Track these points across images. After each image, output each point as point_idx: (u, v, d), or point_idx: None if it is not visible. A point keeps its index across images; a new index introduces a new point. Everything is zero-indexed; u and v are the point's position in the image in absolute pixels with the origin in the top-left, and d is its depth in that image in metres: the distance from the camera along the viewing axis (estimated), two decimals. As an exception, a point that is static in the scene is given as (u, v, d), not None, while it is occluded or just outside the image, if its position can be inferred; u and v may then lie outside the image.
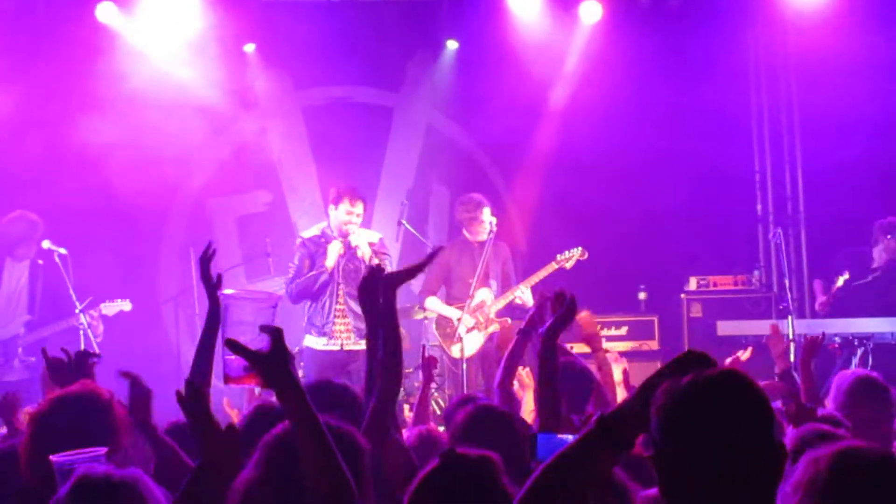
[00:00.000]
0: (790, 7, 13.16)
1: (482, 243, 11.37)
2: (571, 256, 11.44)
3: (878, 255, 11.77)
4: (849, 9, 12.70)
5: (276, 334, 3.35)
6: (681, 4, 13.30)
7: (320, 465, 3.37)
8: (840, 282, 11.53)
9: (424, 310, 11.87)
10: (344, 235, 10.52)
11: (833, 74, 12.63)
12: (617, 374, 8.25)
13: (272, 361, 3.34)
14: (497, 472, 3.59)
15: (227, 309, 4.04)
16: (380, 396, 4.85)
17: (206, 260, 5.58)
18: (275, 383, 3.37)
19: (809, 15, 12.97)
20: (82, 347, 10.86)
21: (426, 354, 7.63)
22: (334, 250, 10.52)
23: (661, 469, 2.85)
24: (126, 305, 11.27)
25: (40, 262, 11.05)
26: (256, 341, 3.49)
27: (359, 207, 10.60)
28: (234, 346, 3.38)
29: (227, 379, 3.63)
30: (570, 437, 4.19)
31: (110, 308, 11.15)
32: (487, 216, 11.41)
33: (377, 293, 5.05)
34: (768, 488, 2.82)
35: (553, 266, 11.42)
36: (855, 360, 10.77)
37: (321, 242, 10.64)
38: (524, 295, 11.30)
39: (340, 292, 10.59)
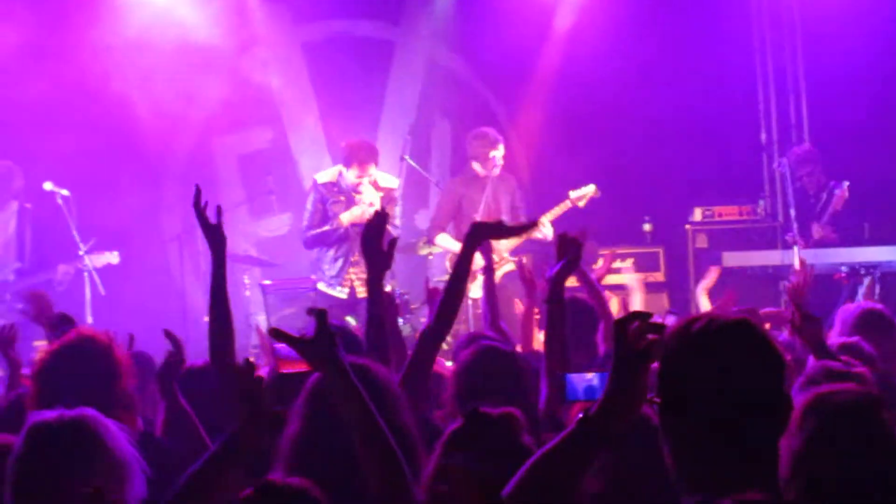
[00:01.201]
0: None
1: (492, 178, 11.38)
2: (584, 195, 11.43)
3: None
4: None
5: (320, 318, 3.36)
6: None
7: (371, 446, 3.37)
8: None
9: (431, 245, 11.85)
10: (356, 192, 10.77)
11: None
12: (613, 307, 8.28)
13: (317, 346, 3.35)
14: (520, 430, 3.61)
15: (268, 301, 4.02)
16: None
17: (198, 205, 5.56)
18: (321, 367, 3.39)
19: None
20: (87, 291, 10.89)
21: (430, 287, 7.65)
22: (356, 213, 10.63)
23: (666, 418, 2.83)
24: (114, 258, 11.22)
25: (28, 205, 11.03)
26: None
27: (370, 171, 10.78)
28: (278, 335, 3.39)
29: (279, 366, 3.62)
30: (596, 378, 4.20)
31: (97, 260, 11.12)
32: (500, 152, 11.42)
33: (380, 240, 5.12)
34: (773, 440, 2.80)
35: (566, 204, 11.41)
36: (861, 291, 10.73)
37: (335, 191, 10.79)
38: (545, 229, 11.29)
39: (355, 245, 10.70)
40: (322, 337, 3.34)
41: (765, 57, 13.91)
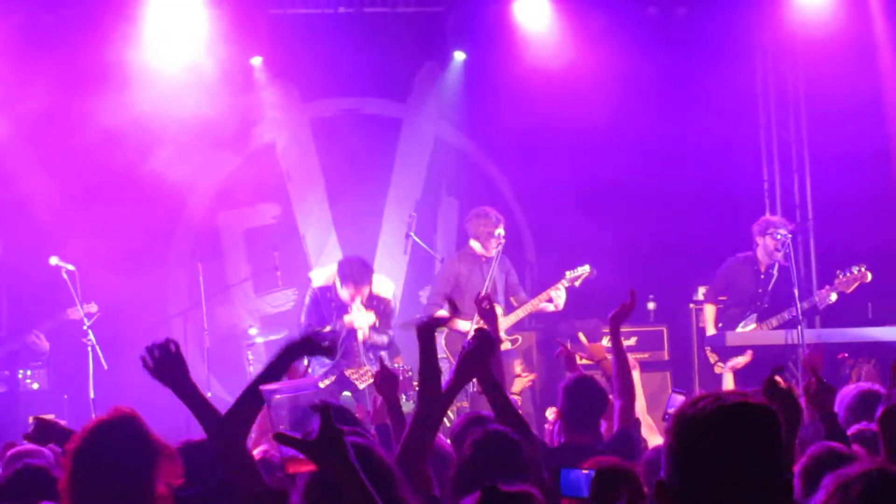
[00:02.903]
0: (796, 9, 13.16)
1: (490, 258, 11.42)
2: (580, 275, 11.49)
3: (761, 257, 11.76)
4: (855, 7, 12.73)
5: (325, 416, 3.28)
6: (687, 14, 13.29)
7: None
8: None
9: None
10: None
11: (842, 77, 12.63)
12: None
13: (323, 446, 3.28)
14: None
15: (272, 408, 3.99)
16: (417, 421, 4.88)
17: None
18: (328, 467, 3.31)
19: (815, 14, 12.98)
20: (90, 365, 10.91)
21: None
22: (357, 318, 10.96)
23: (666, 496, 2.83)
24: (91, 307, 11.26)
25: None
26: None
27: (364, 290, 11.03)
28: (283, 439, 3.34)
29: (286, 467, 3.57)
30: (589, 472, 4.20)
31: (75, 314, 11.15)
32: (501, 231, 11.49)
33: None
34: None
35: (563, 284, 11.46)
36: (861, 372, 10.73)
37: (328, 297, 10.93)
38: (558, 298, 11.36)
39: (352, 346, 11.01)
40: (327, 435, 3.27)
41: (770, 135, 13.97)
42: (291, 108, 13.78)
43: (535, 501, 3.58)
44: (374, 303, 11.13)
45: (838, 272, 11.48)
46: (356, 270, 11.05)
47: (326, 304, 10.94)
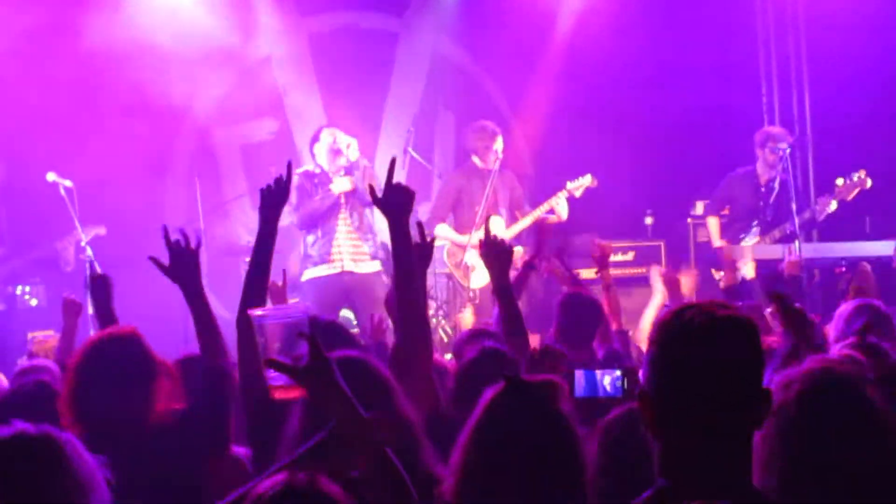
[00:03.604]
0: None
1: (491, 171, 11.40)
2: (581, 185, 11.49)
3: (761, 171, 11.74)
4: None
5: (313, 343, 3.27)
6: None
7: (374, 470, 3.27)
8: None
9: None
10: (337, 154, 10.88)
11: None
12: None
13: (313, 373, 3.26)
14: (562, 398, 3.53)
15: (262, 332, 3.99)
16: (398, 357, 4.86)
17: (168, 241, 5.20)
18: (318, 395, 3.31)
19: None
20: (89, 281, 10.90)
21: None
22: (345, 183, 10.65)
23: (647, 406, 2.85)
24: (100, 230, 11.25)
25: None
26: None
27: (337, 134, 10.95)
28: (274, 364, 3.35)
29: (273, 392, 3.57)
30: (604, 374, 4.23)
31: (86, 234, 11.13)
32: (500, 145, 11.46)
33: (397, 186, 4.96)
34: (749, 432, 2.83)
35: (563, 194, 11.45)
36: None
37: (311, 175, 10.83)
38: (559, 206, 11.38)
39: (343, 216, 10.71)
40: (316, 363, 3.26)
41: (768, 51, 13.93)
42: (288, 23, 13.68)
43: (559, 390, 3.54)
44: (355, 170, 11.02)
45: (838, 179, 11.45)
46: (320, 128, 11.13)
47: (310, 181, 10.88)
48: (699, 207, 12.71)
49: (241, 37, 13.28)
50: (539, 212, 11.48)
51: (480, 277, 11.18)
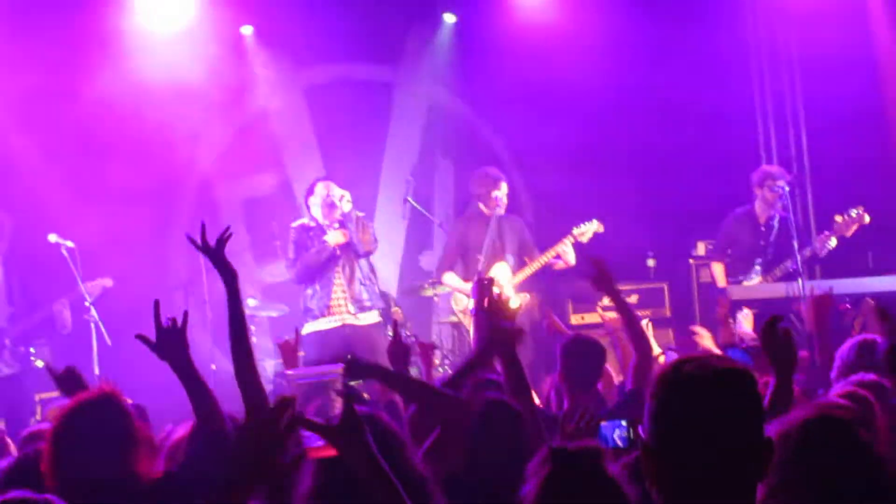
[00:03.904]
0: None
1: (497, 217, 11.45)
2: (587, 231, 11.48)
3: (760, 210, 11.75)
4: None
5: (347, 402, 3.31)
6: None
7: None
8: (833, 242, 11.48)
9: (436, 286, 11.88)
10: (332, 208, 10.83)
11: (835, 29, 12.60)
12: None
13: (344, 434, 3.30)
14: (606, 463, 3.53)
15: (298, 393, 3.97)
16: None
17: (205, 243, 5.36)
18: (348, 455, 3.33)
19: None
20: (94, 341, 10.90)
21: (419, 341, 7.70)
22: (339, 236, 10.66)
23: (649, 459, 2.85)
24: (107, 282, 11.23)
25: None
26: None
27: (332, 188, 10.92)
28: (305, 424, 3.36)
29: (307, 452, 3.57)
30: (610, 426, 4.22)
31: (92, 288, 11.12)
32: (503, 191, 11.47)
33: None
34: (752, 484, 2.83)
35: (569, 240, 11.44)
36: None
37: (306, 228, 10.84)
38: (566, 253, 11.38)
39: (339, 268, 10.71)
40: (348, 423, 3.29)
41: (763, 88, 13.98)
42: (284, 77, 13.75)
43: (604, 456, 3.55)
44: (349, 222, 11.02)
45: (836, 216, 11.47)
46: (314, 181, 11.11)
47: (306, 234, 10.88)
48: (700, 248, 12.72)
49: (237, 90, 13.34)
50: (545, 258, 11.48)
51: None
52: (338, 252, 10.81)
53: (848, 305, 11.00)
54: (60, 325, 10.99)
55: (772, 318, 4.53)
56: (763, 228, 11.70)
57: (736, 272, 11.68)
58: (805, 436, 3.40)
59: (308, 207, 11.04)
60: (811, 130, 13.60)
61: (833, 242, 11.40)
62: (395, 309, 11.74)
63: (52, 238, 10.94)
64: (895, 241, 12.38)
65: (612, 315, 8.02)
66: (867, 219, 11.32)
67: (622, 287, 12.23)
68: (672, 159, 13.23)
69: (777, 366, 4.58)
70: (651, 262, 13.07)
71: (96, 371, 10.75)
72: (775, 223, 11.66)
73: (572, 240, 11.47)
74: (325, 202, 10.86)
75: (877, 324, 6.98)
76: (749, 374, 2.85)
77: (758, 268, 11.62)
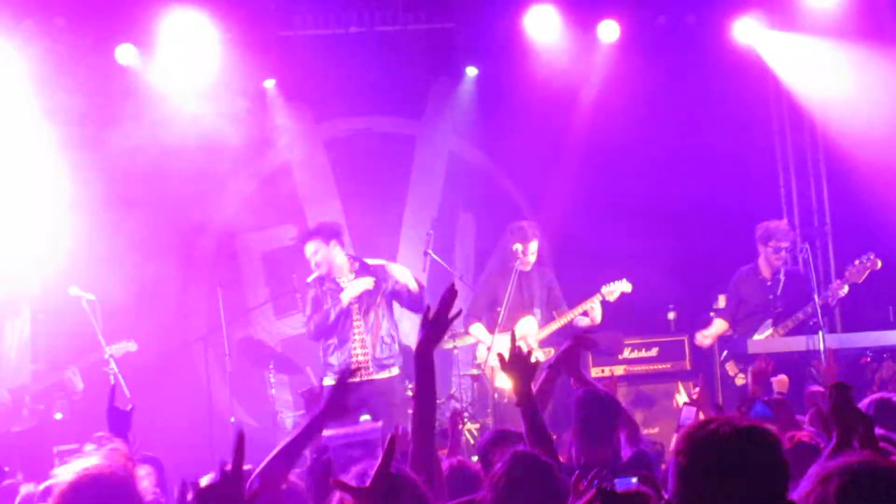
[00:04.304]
0: (805, 14, 13.07)
1: (528, 272, 11.47)
2: (616, 289, 11.50)
3: (764, 265, 11.73)
4: (866, 12, 12.65)
5: (382, 463, 3.37)
6: (697, 22, 13.27)
7: None
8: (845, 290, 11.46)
9: (456, 338, 11.88)
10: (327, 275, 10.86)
11: (855, 78, 12.61)
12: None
13: (379, 494, 3.35)
14: None
15: (333, 453, 3.99)
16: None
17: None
18: None
19: (825, 19, 12.90)
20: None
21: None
22: (355, 289, 10.70)
23: None
24: (131, 346, 11.25)
25: (41, 316, 11.14)
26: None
27: (312, 248, 10.93)
28: (340, 485, 3.41)
29: None
30: (621, 482, 4.21)
31: (117, 350, 11.14)
32: (532, 246, 11.50)
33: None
34: None
35: (598, 297, 11.46)
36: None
37: (322, 282, 10.84)
38: (593, 310, 11.44)
39: (357, 324, 10.68)
40: (383, 484, 3.33)
41: (784, 141, 13.97)
42: (305, 129, 13.83)
43: (651, 500, 3.53)
44: (368, 269, 11.03)
45: (848, 265, 11.48)
46: (323, 228, 11.07)
47: (320, 289, 10.87)
48: (721, 301, 12.67)
49: (259, 143, 13.42)
50: (573, 314, 11.51)
51: (504, 378, 11.14)
52: (354, 306, 10.77)
53: (868, 359, 10.98)
54: (71, 390, 11.04)
55: (840, 385, 4.43)
56: (769, 283, 11.70)
57: (748, 329, 11.64)
58: (848, 482, 3.34)
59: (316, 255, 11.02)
60: (832, 181, 13.57)
61: (845, 290, 11.40)
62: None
63: (74, 291, 10.99)
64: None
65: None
66: (879, 264, 11.33)
67: (644, 340, 12.36)
68: (693, 212, 13.22)
69: (840, 432, 4.46)
70: (672, 315, 13.04)
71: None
72: (781, 276, 11.67)
73: (601, 297, 11.49)
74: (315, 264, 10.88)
75: None
76: (771, 432, 2.86)
77: (768, 322, 11.59)
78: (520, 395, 5.52)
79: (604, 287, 11.54)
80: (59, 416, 11.01)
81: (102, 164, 12.17)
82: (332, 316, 10.71)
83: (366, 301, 10.80)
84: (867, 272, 11.37)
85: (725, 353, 11.71)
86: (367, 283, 10.82)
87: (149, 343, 11.67)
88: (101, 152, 12.22)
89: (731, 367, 11.61)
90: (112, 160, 12.20)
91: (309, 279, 10.98)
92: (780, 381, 9.67)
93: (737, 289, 11.86)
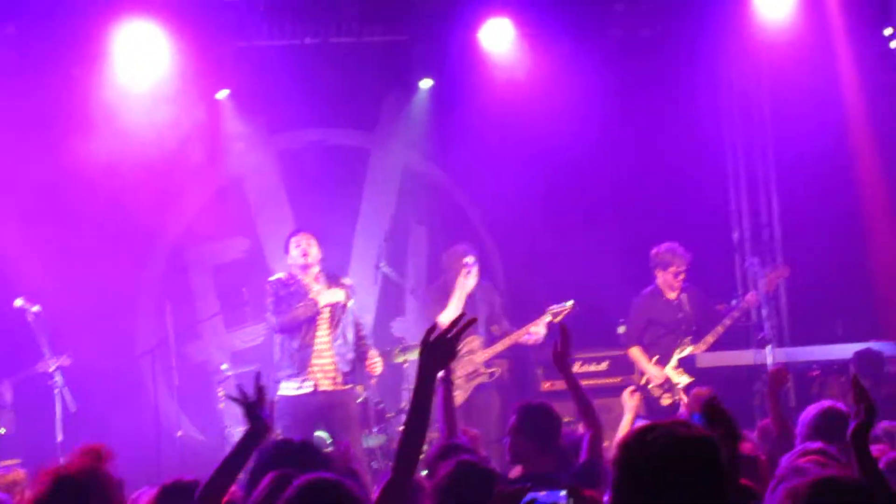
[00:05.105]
0: (760, 31, 13.12)
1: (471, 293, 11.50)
2: (563, 310, 11.47)
3: (665, 289, 11.85)
4: (818, 28, 12.70)
5: None
6: (651, 36, 13.30)
7: None
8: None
9: (407, 351, 11.84)
10: (306, 268, 10.72)
11: (806, 97, 12.66)
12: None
13: None
14: None
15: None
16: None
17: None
18: None
19: (779, 36, 12.95)
20: (57, 406, 10.82)
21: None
22: (334, 295, 10.68)
23: None
24: (64, 360, 11.15)
25: None
26: None
27: (304, 240, 10.79)
28: None
29: None
30: (549, 496, 4.20)
31: (58, 363, 11.03)
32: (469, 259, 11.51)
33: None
34: None
35: (545, 319, 11.45)
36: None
37: (287, 283, 10.70)
38: (539, 333, 11.47)
39: (322, 333, 10.61)
40: None
41: (736, 156, 14.01)
42: (258, 141, 13.76)
43: None
44: (338, 281, 10.98)
45: (760, 277, 11.63)
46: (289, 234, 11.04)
47: (286, 290, 10.77)
48: (623, 329, 12.79)
49: (210, 155, 13.36)
50: (517, 336, 11.48)
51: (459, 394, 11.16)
52: (324, 312, 10.69)
53: (816, 372, 11.04)
54: (1, 402, 10.97)
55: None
56: (676, 302, 11.75)
57: (667, 348, 11.66)
58: (814, 498, 3.37)
59: (289, 265, 10.94)
60: (783, 198, 13.62)
61: (758, 300, 11.55)
62: (373, 381, 11.56)
63: (19, 303, 10.91)
64: (864, 308, 12.40)
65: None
66: (786, 272, 11.75)
67: (594, 354, 12.36)
68: (644, 227, 13.22)
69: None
70: (622, 330, 13.02)
71: (59, 437, 10.67)
72: (683, 296, 11.73)
73: (548, 318, 11.46)
74: (296, 263, 10.79)
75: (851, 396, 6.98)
76: (711, 439, 2.84)
77: (687, 339, 11.62)
78: (431, 377, 5.20)
79: (550, 308, 11.52)
80: (2, 430, 10.95)
81: (51, 175, 12.10)
82: (302, 313, 10.60)
83: (336, 313, 10.71)
84: (778, 280, 11.55)
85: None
86: (341, 294, 10.75)
87: (96, 356, 11.60)
88: (51, 162, 12.15)
89: (655, 390, 11.64)
90: (62, 170, 12.14)
91: (272, 278, 10.88)
92: (700, 395, 9.73)
93: (645, 312, 11.86)
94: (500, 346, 11.54)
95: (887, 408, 9.11)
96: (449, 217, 13.89)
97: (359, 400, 10.96)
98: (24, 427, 11.36)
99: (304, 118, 13.77)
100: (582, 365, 12.48)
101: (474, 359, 11.34)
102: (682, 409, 10.31)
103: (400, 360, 11.99)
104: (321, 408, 10.53)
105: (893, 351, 10.82)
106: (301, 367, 10.56)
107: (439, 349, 4.21)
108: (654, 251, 11.84)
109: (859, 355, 10.48)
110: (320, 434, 10.79)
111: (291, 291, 10.71)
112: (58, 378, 10.87)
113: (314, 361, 10.59)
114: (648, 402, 11.34)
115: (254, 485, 4.81)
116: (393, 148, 14.16)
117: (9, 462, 9.46)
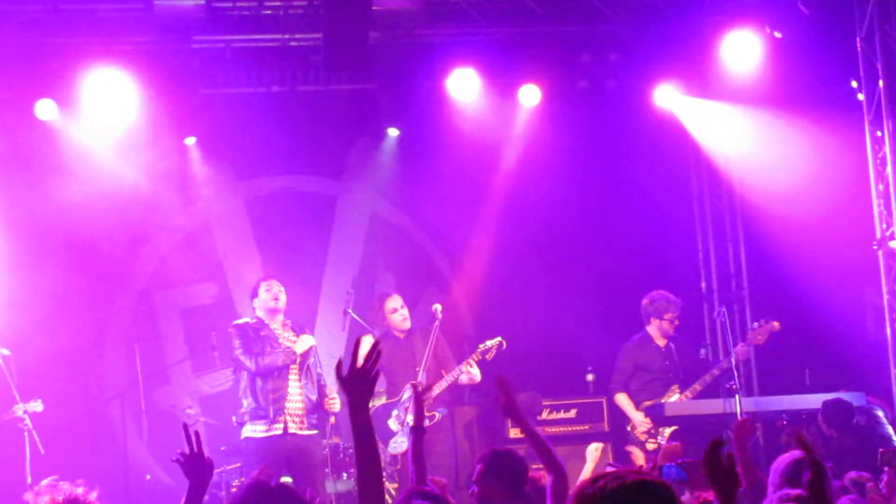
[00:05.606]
0: (725, 82, 13.23)
1: (406, 334, 11.64)
2: (491, 347, 11.44)
3: (656, 336, 11.99)
4: (782, 78, 12.83)
5: None
6: (618, 87, 13.40)
7: None
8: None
9: (374, 398, 11.84)
10: (275, 312, 10.86)
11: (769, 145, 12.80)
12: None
13: None
14: None
15: None
16: None
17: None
18: None
19: (743, 84, 13.07)
20: (27, 450, 10.74)
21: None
22: (306, 343, 10.81)
23: None
24: (37, 406, 11.06)
25: None
26: None
27: (275, 285, 10.92)
28: None
29: None
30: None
31: (29, 408, 10.94)
32: (391, 305, 11.56)
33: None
34: None
35: (474, 358, 11.44)
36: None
37: (255, 328, 10.79)
38: (472, 374, 11.45)
39: (293, 377, 10.64)
40: None
41: (703, 205, 14.13)
42: (226, 188, 13.77)
43: None
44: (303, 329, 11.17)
45: (749, 329, 11.73)
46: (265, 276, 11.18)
47: (255, 334, 10.80)
48: (588, 377, 12.87)
49: (179, 201, 13.36)
50: (451, 377, 11.47)
51: (401, 444, 11.20)
52: (298, 359, 10.75)
53: (785, 422, 11.11)
54: None
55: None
56: (664, 350, 11.84)
57: (652, 394, 11.73)
58: None
59: (254, 309, 10.99)
60: (750, 246, 13.73)
61: (748, 352, 11.63)
62: (332, 419, 11.58)
63: (-14, 346, 10.84)
64: (831, 359, 12.48)
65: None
66: (776, 326, 11.61)
67: (562, 402, 12.38)
68: (612, 275, 13.33)
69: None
70: (590, 377, 13.09)
71: (28, 479, 10.58)
72: (672, 344, 11.83)
73: (477, 357, 11.46)
74: (266, 307, 10.85)
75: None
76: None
77: (674, 387, 11.70)
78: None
79: (480, 345, 11.54)
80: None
81: (19, 219, 12.07)
82: (281, 360, 10.65)
83: (306, 359, 10.81)
84: (767, 334, 11.62)
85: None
86: (312, 340, 10.94)
87: (65, 399, 11.53)
88: (19, 207, 12.13)
89: (641, 435, 11.67)
90: (30, 215, 12.11)
91: (237, 322, 10.91)
92: (671, 449, 9.77)
93: (633, 358, 11.94)
94: (436, 390, 11.51)
95: (851, 459, 9.23)
96: (416, 263, 13.92)
97: (325, 449, 10.96)
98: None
99: (273, 165, 13.82)
100: (550, 412, 12.49)
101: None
102: (646, 463, 10.29)
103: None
104: (288, 450, 10.56)
105: (861, 401, 10.90)
106: (274, 409, 10.59)
107: (357, 381, 4.22)
108: (646, 300, 11.93)
109: (828, 405, 10.57)
110: (285, 479, 10.75)
111: (262, 336, 10.75)
112: (27, 421, 10.78)
113: (286, 405, 10.64)
114: (624, 455, 11.36)
115: None
116: (360, 195, 14.20)
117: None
